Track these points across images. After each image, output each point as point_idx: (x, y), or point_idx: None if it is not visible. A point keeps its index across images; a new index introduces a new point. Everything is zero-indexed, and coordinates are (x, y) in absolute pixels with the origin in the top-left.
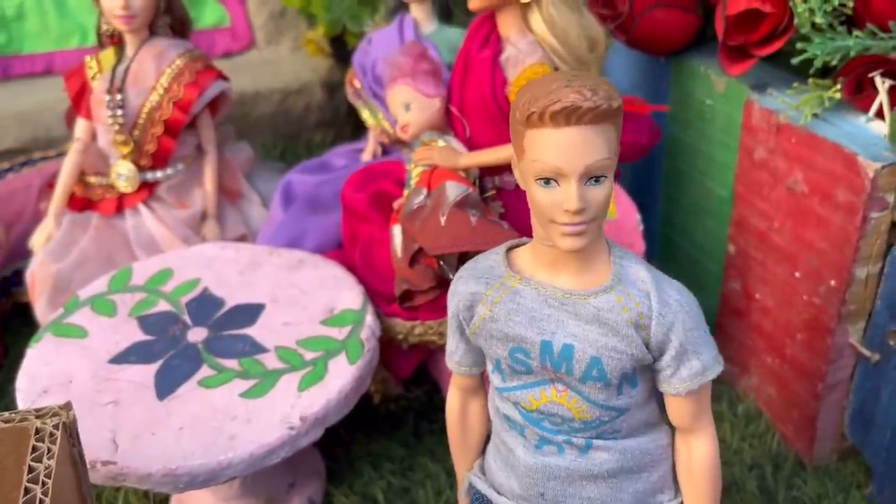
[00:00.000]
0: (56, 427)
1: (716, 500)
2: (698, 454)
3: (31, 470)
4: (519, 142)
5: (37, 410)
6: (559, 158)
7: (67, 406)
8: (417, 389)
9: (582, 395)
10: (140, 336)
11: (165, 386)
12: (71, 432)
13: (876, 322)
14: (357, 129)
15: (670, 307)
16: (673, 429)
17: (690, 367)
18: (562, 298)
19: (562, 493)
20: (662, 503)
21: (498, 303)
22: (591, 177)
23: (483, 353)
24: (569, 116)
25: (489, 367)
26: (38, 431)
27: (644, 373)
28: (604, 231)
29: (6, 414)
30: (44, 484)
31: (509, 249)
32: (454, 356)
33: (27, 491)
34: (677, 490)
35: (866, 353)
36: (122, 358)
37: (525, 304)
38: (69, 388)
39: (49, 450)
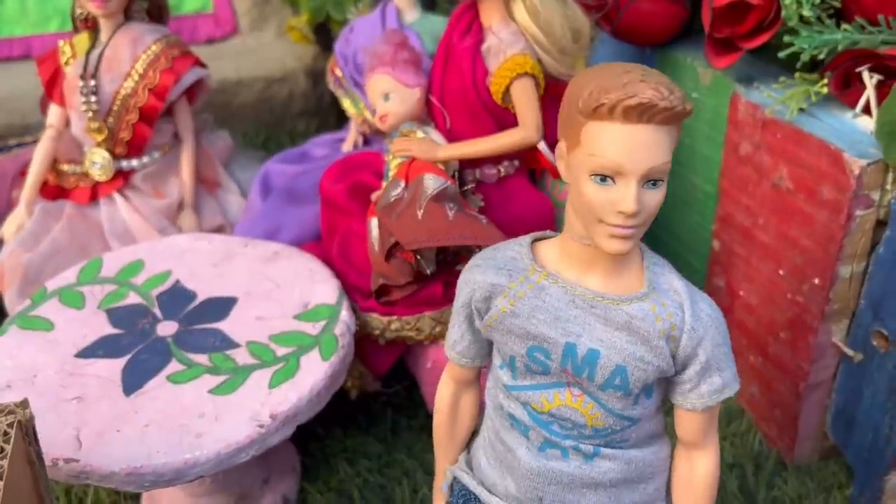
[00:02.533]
0: (10, 426)
1: None
2: (701, 470)
3: None
4: (574, 132)
5: None
6: (623, 156)
7: (24, 403)
8: (397, 385)
9: (599, 402)
10: (108, 329)
11: (133, 381)
12: (27, 430)
13: (859, 322)
14: (341, 118)
15: (702, 321)
16: (673, 440)
17: (711, 383)
18: (591, 300)
19: (560, 499)
20: None
21: (521, 297)
22: (651, 179)
23: (488, 347)
24: (642, 113)
25: (497, 363)
26: None
27: (660, 384)
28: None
29: None
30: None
31: (534, 242)
32: (457, 346)
33: None
34: (669, 501)
35: (849, 352)
36: (89, 352)
37: (550, 303)
38: (34, 382)
39: (2, 449)
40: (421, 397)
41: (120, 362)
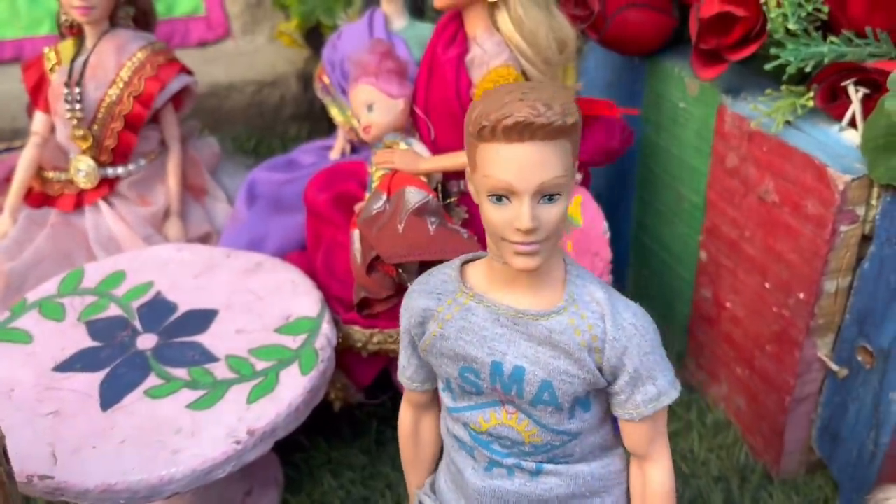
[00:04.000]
0: None
1: None
2: (653, 482)
3: None
4: (472, 155)
5: None
6: (511, 175)
7: None
8: (382, 396)
9: (532, 419)
10: (87, 342)
11: (110, 396)
12: None
13: (844, 336)
14: (333, 122)
15: (625, 331)
16: (628, 454)
17: (645, 392)
18: (514, 318)
19: None
20: None
21: (449, 320)
22: (545, 195)
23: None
24: (522, 132)
25: (440, 386)
26: None
27: (598, 396)
28: (561, 248)
29: None
30: None
31: (464, 263)
32: (406, 371)
33: None
34: None
35: (834, 367)
36: (67, 366)
37: (476, 323)
38: (10, 396)
39: None
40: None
41: (98, 376)
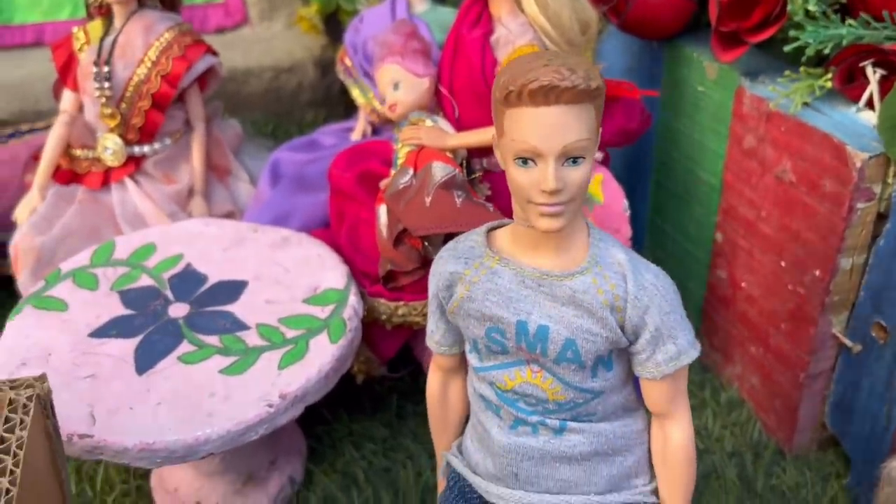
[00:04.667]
0: (30, 399)
1: (690, 485)
2: (674, 440)
3: (2, 440)
4: (499, 121)
5: (10, 381)
6: (536, 138)
7: (42, 378)
8: (403, 370)
9: (556, 377)
10: (121, 310)
11: (145, 361)
12: (45, 404)
13: (859, 313)
14: (349, 108)
15: (646, 290)
16: (649, 413)
17: (666, 351)
18: (539, 279)
19: (535, 474)
20: (637, 487)
21: (476, 283)
22: (569, 157)
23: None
24: (547, 95)
25: (467, 348)
26: (11, 402)
27: (620, 356)
28: (583, 213)
29: None
30: (15, 455)
31: (490, 230)
32: (434, 336)
33: (3, 453)
34: (652, 475)
35: (849, 343)
36: (102, 332)
37: (502, 285)
38: (48, 361)
39: (22, 421)
40: (426, 383)
41: (132, 342)
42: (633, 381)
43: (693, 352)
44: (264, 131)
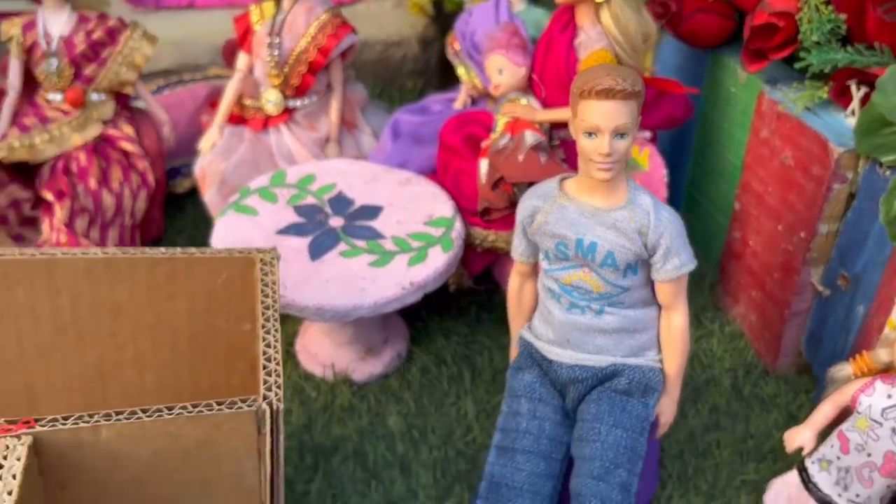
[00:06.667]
0: (273, 259)
1: (684, 358)
2: (675, 324)
3: (263, 283)
4: (575, 107)
5: (257, 249)
6: (598, 120)
7: (274, 249)
8: (483, 286)
9: (600, 276)
10: (295, 218)
11: (316, 253)
12: (272, 263)
13: (830, 266)
14: (443, 80)
15: (662, 222)
16: (660, 307)
17: (673, 262)
18: (593, 212)
19: (581, 340)
20: (648, 356)
21: (550, 213)
22: (618, 133)
23: (537, 248)
24: (607, 94)
25: (540, 256)
26: (261, 261)
27: (642, 265)
28: (625, 171)
29: (237, 249)
30: (273, 293)
31: (562, 180)
32: (517, 249)
33: (264, 294)
34: (659, 350)
35: (821, 289)
36: (284, 231)
37: (568, 215)
38: None
39: (272, 272)
40: (499, 298)
41: (306, 240)
42: (650, 285)
43: (691, 264)
44: (373, 95)
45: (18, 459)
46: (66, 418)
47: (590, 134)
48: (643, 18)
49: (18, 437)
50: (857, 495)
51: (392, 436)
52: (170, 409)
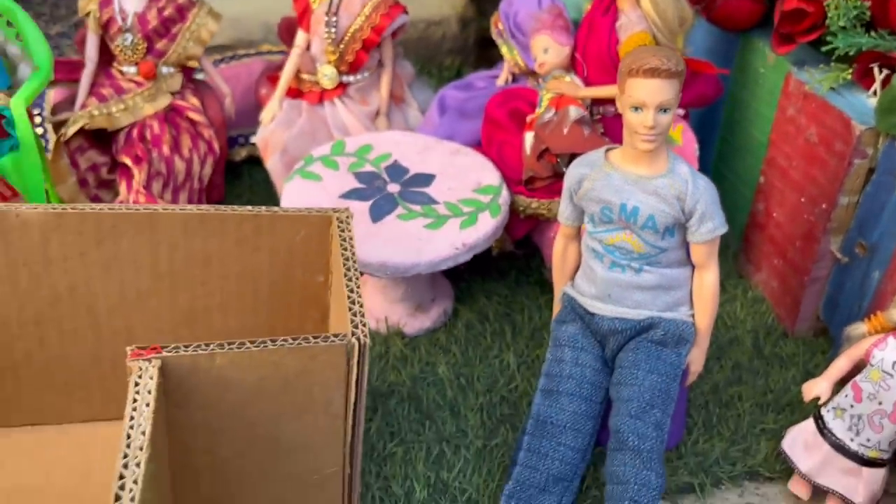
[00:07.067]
0: (348, 217)
1: (714, 312)
2: (706, 282)
3: (342, 238)
4: (622, 84)
5: (332, 209)
6: (645, 96)
7: (347, 209)
8: (523, 250)
9: (640, 238)
10: (356, 184)
11: (376, 215)
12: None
13: (849, 236)
14: (481, 58)
15: (699, 189)
16: (692, 268)
17: (707, 226)
18: (636, 179)
19: (621, 296)
20: (682, 311)
21: (597, 180)
22: (661, 108)
23: (582, 213)
24: (652, 72)
25: (585, 219)
26: (338, 220)
27: (679, 228)
28: (665, 144)
29: (315, 209)
30: (351, 247)
31: (607, 150)
32: (564, 213)
33: (343, 248)
34: (691, 306)
35: (840, 256)
36: (346, 195)
37: (613, 182)
38: None
39: (348, 228)
40: (536, 263)
41: (366, 204)
42: (685, 247)
43: (723, 228)
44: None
45: (151, 378)
46: (186, 346)
47: (636, 108)
48: (680, 3)
49: (150, 360)
50: (868, 440)
51: (442, 382)
52: (273, 341)
